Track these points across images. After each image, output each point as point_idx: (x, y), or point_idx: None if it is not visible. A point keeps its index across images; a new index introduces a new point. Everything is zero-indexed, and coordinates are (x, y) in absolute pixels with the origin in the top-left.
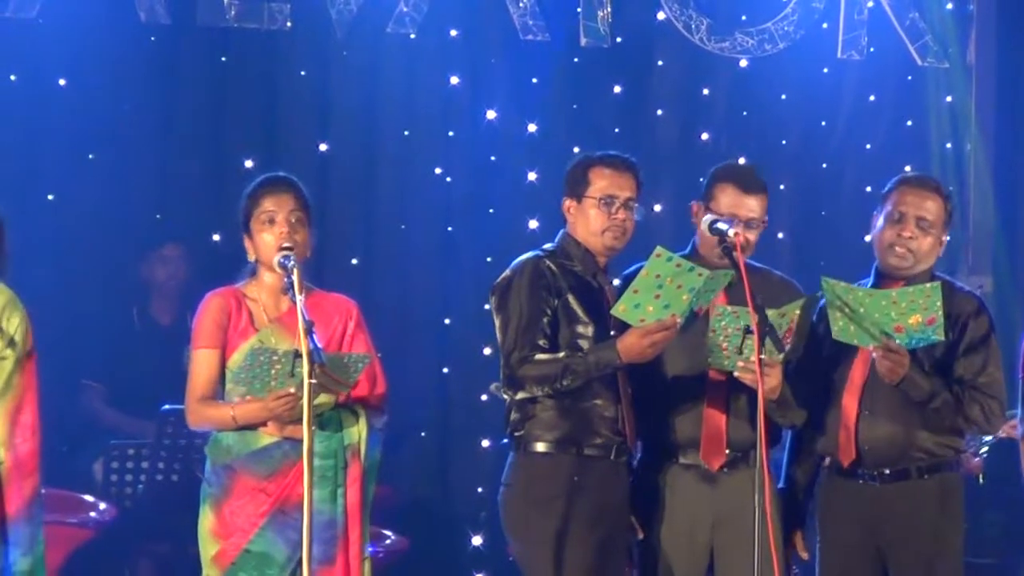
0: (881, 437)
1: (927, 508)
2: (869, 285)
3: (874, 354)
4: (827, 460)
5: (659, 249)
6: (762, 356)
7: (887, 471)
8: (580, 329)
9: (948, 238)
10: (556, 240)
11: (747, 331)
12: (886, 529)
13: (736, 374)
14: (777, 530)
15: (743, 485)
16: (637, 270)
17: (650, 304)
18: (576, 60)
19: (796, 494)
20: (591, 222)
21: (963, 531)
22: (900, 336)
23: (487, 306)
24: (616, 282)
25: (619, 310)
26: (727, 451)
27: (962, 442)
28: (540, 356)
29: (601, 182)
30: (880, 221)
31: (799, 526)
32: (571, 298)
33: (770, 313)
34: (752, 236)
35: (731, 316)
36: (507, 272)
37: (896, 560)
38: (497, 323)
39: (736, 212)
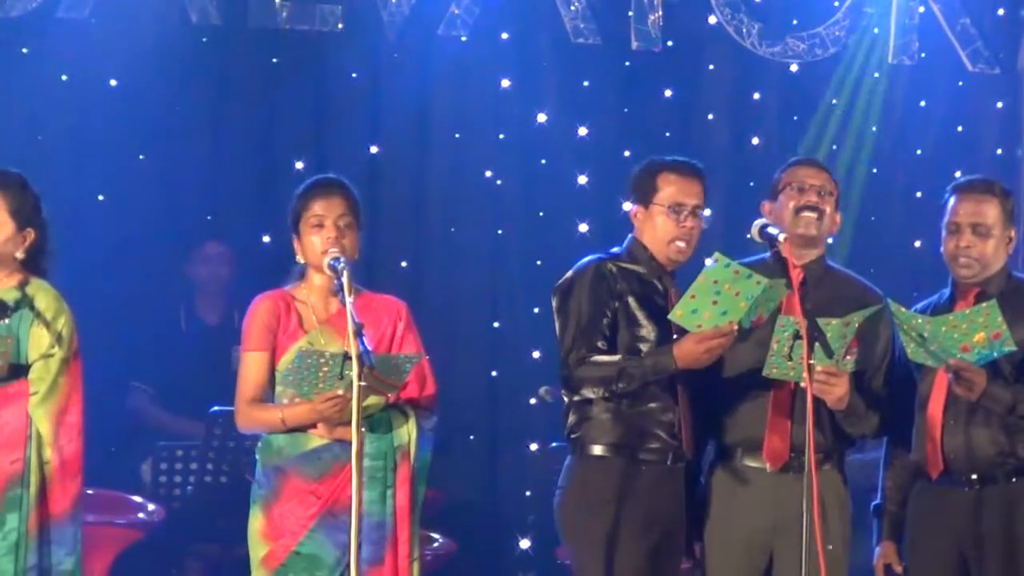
0: (966, 446)
1: (1013, 511)
2: (947, 295)
3: (950, 375)
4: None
5: (717, 255)
6: (811, 361)
7: (974, 476)
8: (640, 332)
9: (1015, 232)
10: (624, 244)
11: (796, 336)
12: (973, 535)
13: (803, 384)
14: (837, 537)
15: (805, 490)
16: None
17: (707, 310)
18: (627, 64)
19: (890, 506)
20: (659, 229)
21: None
22: (968, 355)
23: (536, 310)
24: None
25: (676, 315)
26: (791, 454)
27: None
28: (597, 358)
29: (669, 188)
30: (943, 233)
31: (895, 538)
32: (632, 301)
33: (834, 322)
34: (826, 207)
35: (793, 325)
36: (569, 273)
37: (979, 564)
38: (557, 324)
39: (810, 182)
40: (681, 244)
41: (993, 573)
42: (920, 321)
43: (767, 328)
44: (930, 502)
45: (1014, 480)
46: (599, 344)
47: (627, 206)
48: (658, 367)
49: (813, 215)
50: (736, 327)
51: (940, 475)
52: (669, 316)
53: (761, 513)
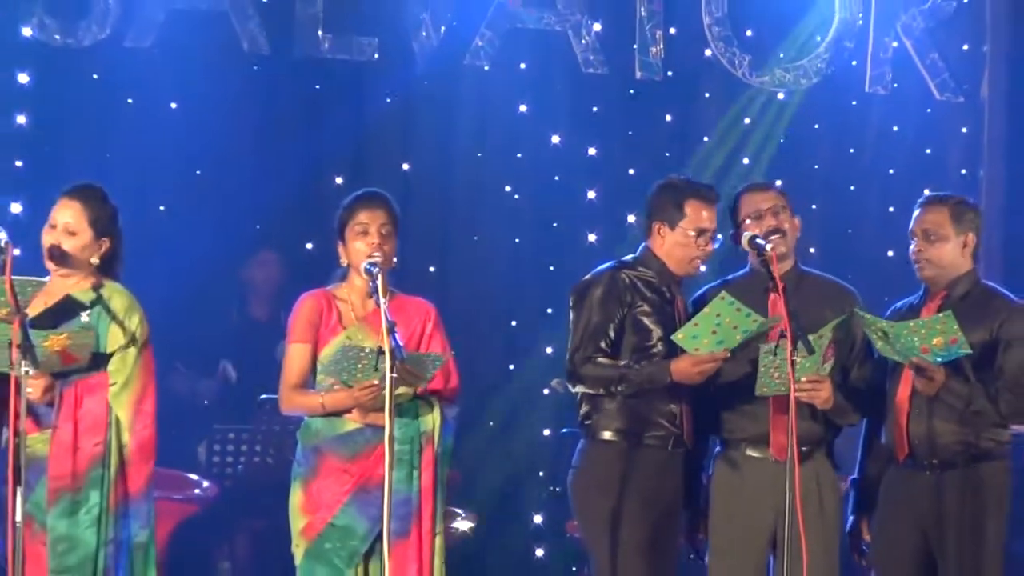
0: (928, 433)
1: (971, 494)
2: (920, 295)
3: (913, 372)
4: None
5: (724, 294)
6: (795, 358)
7: (934, 461)
8: (648, 334)
9: (972, 237)
10: (638, 252)
11: (781, 335)
12: (933, 514)
13: (793, 396)
14: (830, 517)
15: (806, 477)
16: (706, 291)
17: (706, 338)
18: (632, 91)
19: (867, 482)
20: (682, 250)
21: (1005, 516)
22: (928, 356)
23: (549, 310)
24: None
25: (678, 337)
26: (789, 444)
27: (1007, 434)
28: (603, 360)
29: (696, 216)
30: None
31: (866, 511)
32: (642, 309)
33: (810, 337)
34: (780, 222)
35: (775, 350)
36: (588, 277)
37: (941, 543)
38: (571, 320)
39: (762, 207)
40: (699, 263)
41: (950, 548)
42: (884, 324)
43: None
44: (897, 482)
45: (971, 466)
46: (603, 346)
47: (631, 218)
48: (654, 378)
49: (777, 236)
50: (728, 353)
51: (905, 458)
52: (672, 337)
53: (765, 497)
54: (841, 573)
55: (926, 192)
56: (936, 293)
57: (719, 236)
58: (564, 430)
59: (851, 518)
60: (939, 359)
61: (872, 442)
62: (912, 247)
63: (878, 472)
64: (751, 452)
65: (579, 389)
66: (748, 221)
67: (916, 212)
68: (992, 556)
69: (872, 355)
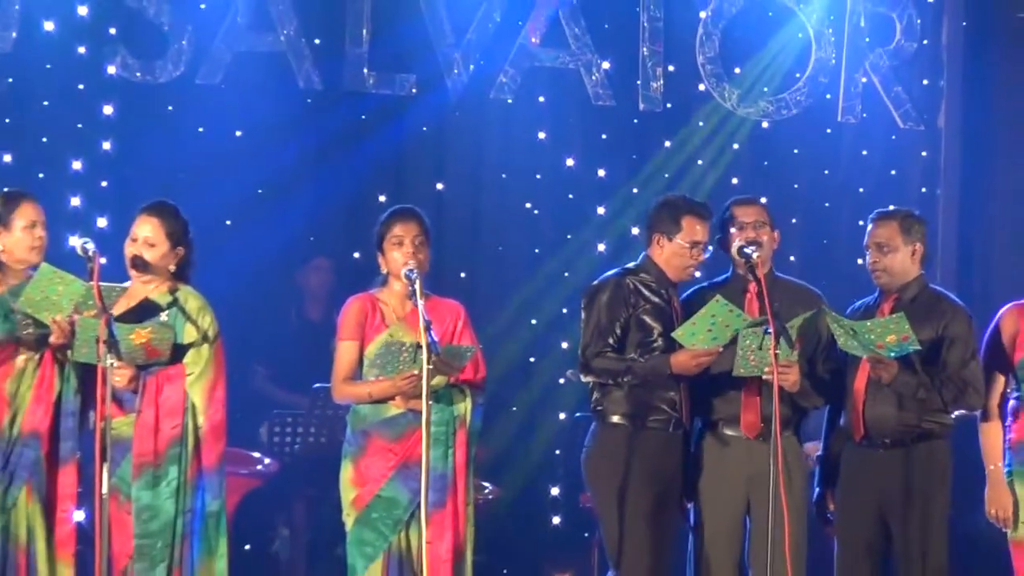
0: (880, 416)
1: (918, 469)
2: (875, 297)
3: (871, 364)
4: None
5: (719, 297)
6: (777, 351)
7: (886, 440)
8: (649, 331)
9: (920, 246)
10: (640, 260)
11: (765, 332)
12: (886, 485)
13: (764, 377)
14: (799, 486)
15: (773, 452)
16: (695, 293)
17: (702, 335)
18: (635, 121)
19: (830, 458)
20: (678, 259)
21: (949, 487)
22: (883, 351)
23: (564, 310)
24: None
25: (678, 334)
26: (761, 424)
27: (949, 418)
28: (611, 354)
29: (691, 230)
30: None
31: (830, 484)
32: (644, 310)
33: (783, 346)
34: (761, 233)
35: (753, 336)
36: (596, 282)
37: (894, 511)
38: (582, 319)
39: (745, 220)
40: (692, 270)
41: (899, 514)
42: (847, 323)
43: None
44: (854, 458)
45: (917, 444)
46: (610, 342)
47: (635, 230)
48: (656, 370)
49: (754, 247)
50: (722, 348)
51: (862, 438)
52: (672, 334)
53: (739, 469)
54: (809, 540)
55: (891, 208)
56: (889, 296)
57: (709, 247)
58: (578, 414)
59: (817, 490)
60: (892, 354)
61: (834, 424)
62: (868, 258)
63: (839, 450)
64: (727, 431)
65: (590, 379)
66: (733, 230)
67: (869, 227)
68: (938, 523)
69: (835, 350)
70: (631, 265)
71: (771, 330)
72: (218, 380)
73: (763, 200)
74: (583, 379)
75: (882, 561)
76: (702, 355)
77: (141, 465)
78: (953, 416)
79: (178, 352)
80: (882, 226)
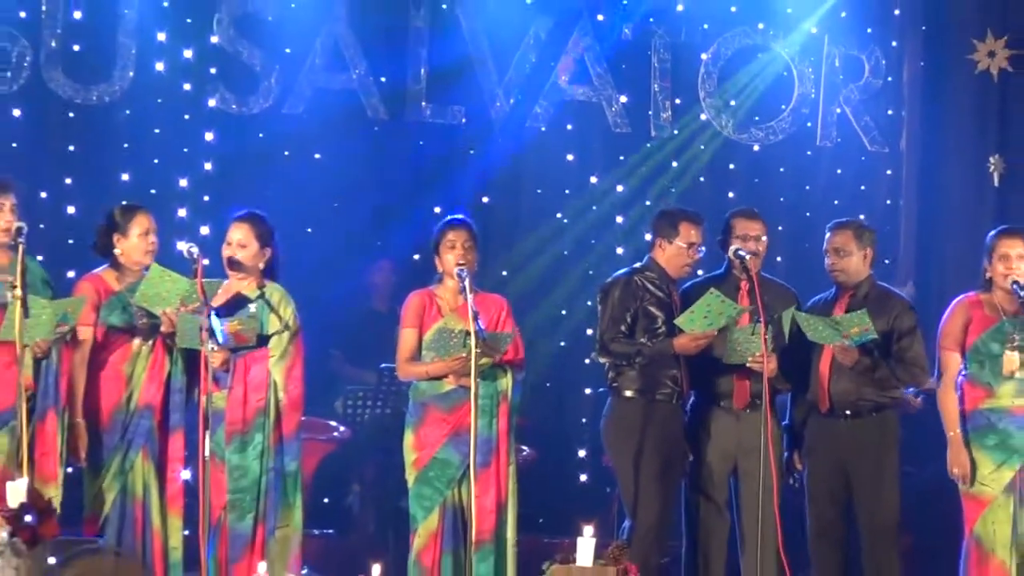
0: (842, 392)
1: (873, 435)
2: (833, 292)
3: (835, 351)
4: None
5: (713, 290)
6: (767, 336)
7: (848, 412)
8: (653, 321)
9: (870, 251)
10: (644, 260)
11: (756, 322)
12: (847, 449)
13: (748, 364)
14: (778, 451)
15: (758, 422)
16: (691, 286)
17: (700, 322)
18: (648, 145)
19: (795, 427)
20: (677, 259)
21: (898, 449)
22: (847, 340)
23: (588, 303)
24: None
25: (679, 321)
26: (750, 398)
27: (899, 393)
28: (624, 339)
29: (687, 233)
30: None
31: (797, 447)
32: (650, 302)
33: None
34: (760, 246)
35: (741, 332)
36: (609, 279)
37: (854, 470)
38: (599, 311)
39: (749, 233)
40: (689, 268)
41: (858, 471)
42: (816, 319)
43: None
44: (820, 428)
45: (872, 415)
46: (623, 329)
47: (647, 236)
48: (662, 351)
49: (753, 256)
50: (715, 333)
51: (827, 411)
52: (675, 321)
53: (731, 437)
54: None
55: (862, 217)
56: (845, 293)
57: (703, 248)
58: (600, 389)
59: (786, 453)
60: (854, 342)
61: (796, 401)
62: (827, 261)
63: (802, 419)
64: (720, 403)
65: (607, 360)
66: (735, 240)
67: (828, 235)
68: (890, 478)
69: (801, 342)
70: (638, 265)
71: (761, 319)
72: (296, 361)
73: (755, 211)
74: (601, 360)
75: (844, 510)
76: (700, 338)
77: (232, 432)
78: (902, 391)
79: (264, 338)
80: (839, 234)
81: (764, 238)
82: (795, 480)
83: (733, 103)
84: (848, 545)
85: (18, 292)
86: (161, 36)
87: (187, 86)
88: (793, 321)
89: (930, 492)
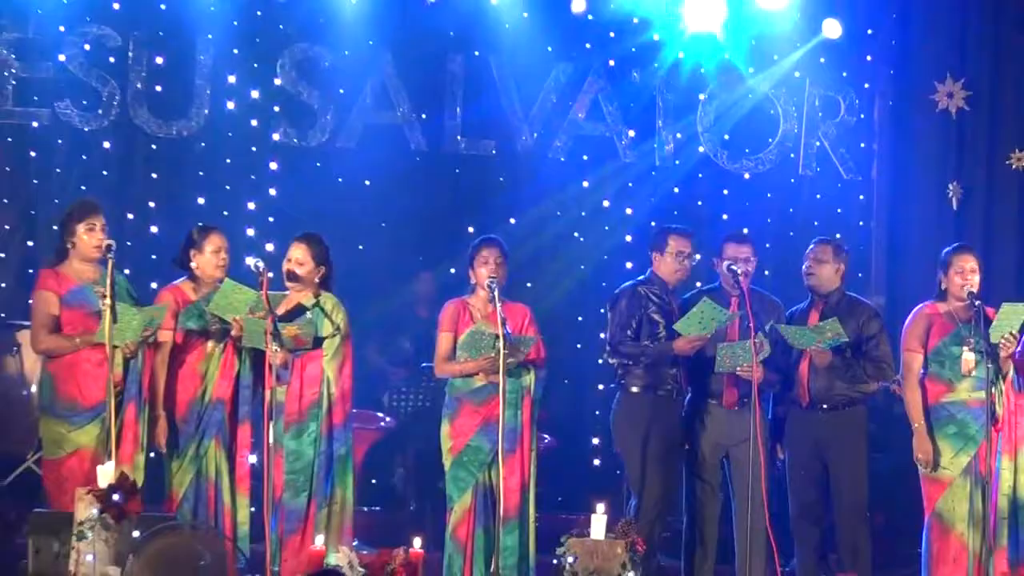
0: (820, 389)
1: (846, 426)
2: (807, 302)
3: (812, 353)
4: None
5: (706, 299)
6: (756, 339)
7: (825, 406)
8: (655, 326)
9: (842, 267)
10: (647, 274)
11: (746, 339)
12: (824, 438)
13: (737, 373)
14: (764, 443)
15: (746, 417)
16: (691, 296)
17: (695, 326)
18: (653, 173)
19: (778, 421)
20: (668, 268)
21: (867, 440)
22: (822, 344)
23: (602, 310)
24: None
25: (677, 325)
26: (738, 398)
27: (868, 388)
28: (630, 342)
29: (674, 244)
30: None
31: (779, 440)
32: (652, 310)
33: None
34: (749, 267)
35: (728, 347)
36: (617, 290)
37: (830, 457)
38: (608, 318)
39: (738, 256)
40: (680, 275)
41: (835, 461)
42: (796, 327)
43: (721, 338)
44: (800, 420)
45: (846, 409)
46: (629, 334)
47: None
48: (664, 352)
49: (744, 275)
50: (708, 336)
51: (807, 405)
52: (673, 326)
53: (721, 431)
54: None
55: (837, 236)
56: (818, 302)
57: (697, 256)
58: (611, 385)
59: (770, 443)
60: (829, 345)
61: (779, 400)
62: (805, 265)
63: (783, 414)
64: (712, 401)
65: (616, 361)
66: (727, 259)
67: (812, 247)
68: (860, 462)
69: (783, 348)
70: (641, 278)
71: (751, 327)
72: (347, 360)
73: (745, 231)
74: (611, 361)
75: (822, 491)
76: (695, 340)
77: (289, 422)
78: (872, 388)
79: (319, 340)
80: (821, 246)
81: (752, 259)
82: (779, 465)
83: (727, 137)
84: (824, 522)
85: (108, 301)
86: (232, 79)
87: (254, 122)
88: (778, 332)
89: (893, 476)
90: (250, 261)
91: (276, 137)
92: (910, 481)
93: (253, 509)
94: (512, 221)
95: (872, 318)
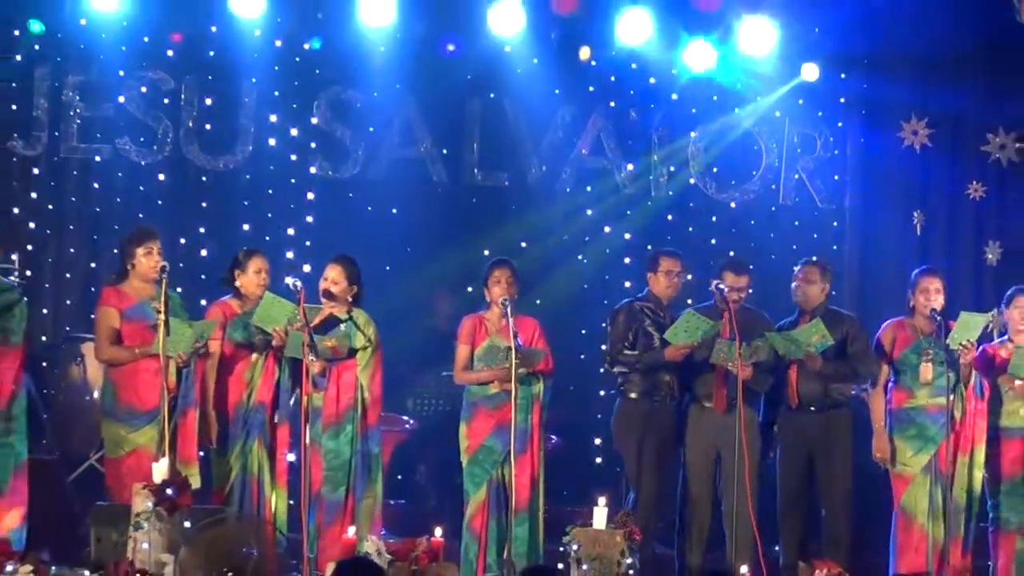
0: (808, 391)
1: (831, 426)
2: (795, 315)
3: (805, 358)
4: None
5: (691, 311)
6: (740, 352)
7: (812, 408)
8: (649, 338)
9: (827, 286)
10: (644, 292)
11: (732, 339)
12: (811, 437)
13: (728, 368)
14: (752, 442)
15: (734, 419)
16: (682, 312)
17: (682, 335)
18: (649, 203)
19: (770, 422)
20: (660, 286)
21: (851, 437)
22: (811, 348)
23: (603, 324)
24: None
25: (668, 334)
26: (727, 402)
27: (849, 390)
28: (628, 352)
29: (666, 264)
30: None
31: (770, 438)
32: (647, 324)
33: (744, 348)
34: (742, 296)
35: (724, 343)
36: (616, 307)
37: (817, 454)
38: (608, 331)
39: (735, 286)
40: (671, 292)
41: (820, 454)
42: (783, 335)
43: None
44: (789, 420)
45: (831, 411)
46: (626, 345)
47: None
48: (656, 361)
49: (735, 300)
50: (695, 343)
51: (796, 406)
52: (664, 335)
53: (713, 431)
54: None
55: (814, 258)
56: (804, 316)
57: (682, 275)
58: (612, 391)
59: (761, 443)
60: (816, 349)
61: (770, 398)
62: (795, 284)
63: (772, 416)
64: (704, 403)
65: (615, 369)
66: (724, 284)
67: (800, 267)
68: (845, 459)
69: (772, 358)
70: (639, 295)
71: (736, 339)
72: (377, 369)
73: (731, 253)
74: (611, 370)
75: (808, 485)
76: (682, 347)
77: (327, 423)
78: (854, 391)
79: (352, 351)
80: (808, 267)
81: (747, 288)
82: (769, 462)
83: (715, 170)
84: (809, 514)
85: (162, 316)
86: (273, 118)
87: (293, 157)
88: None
89: (870, 474)
90: (289, 280)
91: (313, 170)
92: (881, 479)
93: (291, 502)
94: (523, 245)
95: (855, 324)
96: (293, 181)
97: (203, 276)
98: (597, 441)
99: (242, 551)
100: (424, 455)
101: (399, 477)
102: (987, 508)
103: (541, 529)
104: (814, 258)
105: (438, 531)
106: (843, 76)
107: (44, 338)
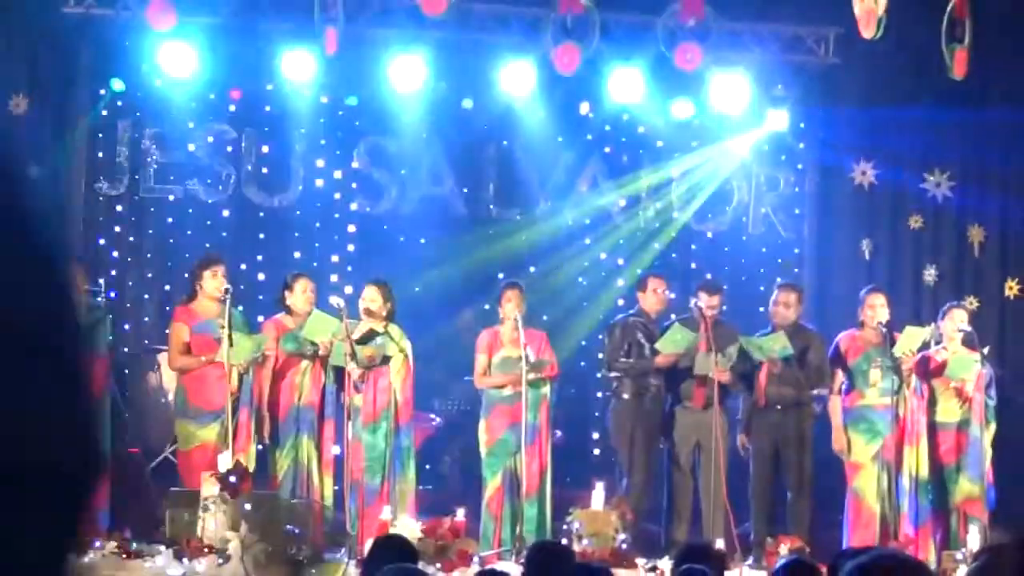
0: (776, 393)
1: (796, 422)
2: (768, 331)
3: (768, 363)
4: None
5: (677, 324)
6: (717, 358)
7: (779, 406)
8: (641, 348)
9: (800, 307)
10: (635, 308)
11: (710, 349)
12: (778, 435)
13: (710, 376)
14: (726, 437)
15: (711, 416)
16: (668, 324)
17: (669, 345)
18: (638, 232)
19: (744, 419)
20: (649, 302)
21: (813, 436)
22: (774, 354)
23: (600, 336)
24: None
25: (657, 345)
26: (705, 400)
27: (812, 394)
28: (622, 359)
29: (653, 284)
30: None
31: (745, 433)
32: (638, 335)
33: (720, 358)
34: (716, 311)
35: (704, 356)
36: (612, 321)
37: (782, 446)
38: (606, 342)
39: (710, 305)
40: (658, 308)
41: (786, 450)
42: (755, 341)
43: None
44: (761, 418)
45: (795, 409)
46: (621, 354)
47: (639, 294)
48: (647, 367)
49: (711, 316)
50: (681, 352)
51: (765, 404)
52: (655, 345)
53: (693, 426)
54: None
55: (779, 280)
56: (778, 329)
57: (667, 293)
58: (607, 393)
59: (740, 436)
60: (779, 355)
61: (747, 397)
62: (772, 308)
63: (748, 414)
64: (686, 403)
65: (612, 375)
66: (701, 303)
67: (779, 291)
68: (807, 453)
69: (746, 362)
70: (631, 311)
71: (713, 349)
72: (409, 374)
73: (725, 286)
74: (608, 375)
75: (775, 474)
76: (670, 355)
77: (366, 421)
78: (814, 393)
79: (387, 359)
80: (785, 290)
81: (720, 305)
82: (744, 453)
83: (694, 205)
84: (775, 496)
85: (226, 331)
86: (320, 162)
87: (337, 195)
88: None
89: (828, 462)
90: (333, 300)
91: (353, 207)
92: (837, 467)
93: (336, 487)
94: (532, 269)
95: (817, 338)
96: (337, 216)
97: (260, 297)
98: (595, 435)
99: (293, 528)
100: (449, 447)
101: (427, 466)
102: (927, 490)
103: (549, 510)
104: (792, 282)
105: (460, 512)
106: (802, 126)
107: (126, 349)
